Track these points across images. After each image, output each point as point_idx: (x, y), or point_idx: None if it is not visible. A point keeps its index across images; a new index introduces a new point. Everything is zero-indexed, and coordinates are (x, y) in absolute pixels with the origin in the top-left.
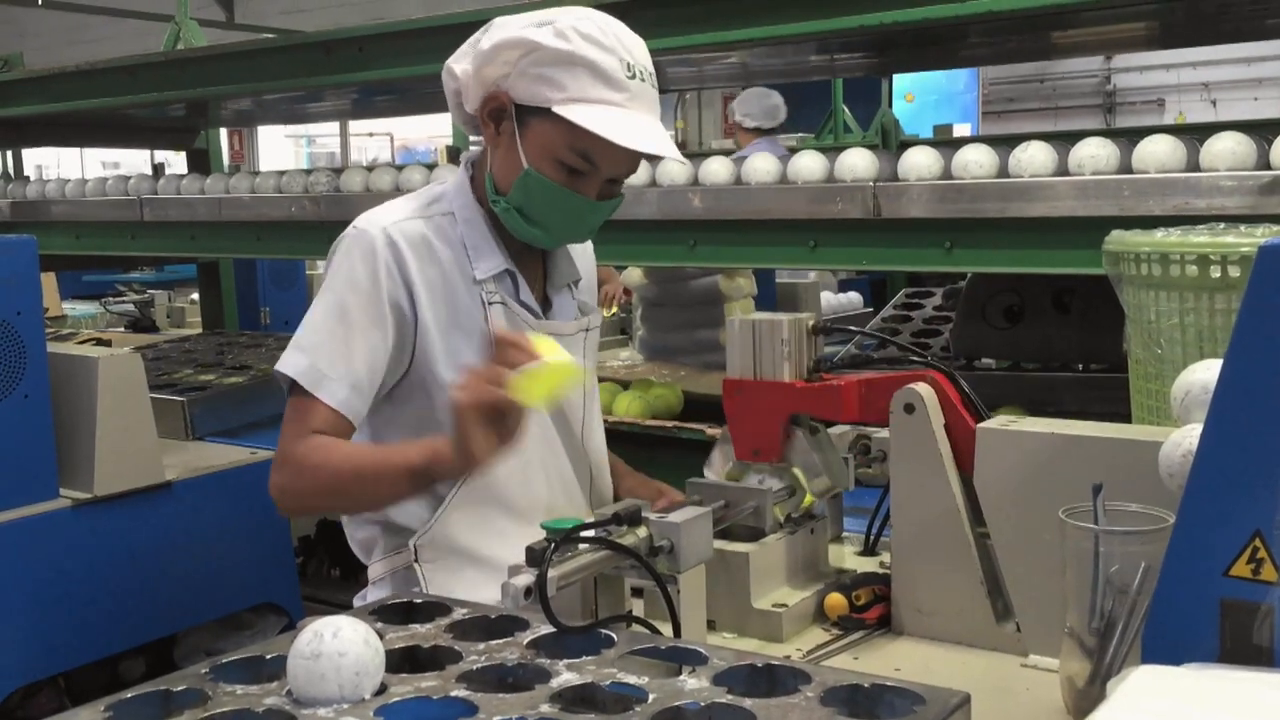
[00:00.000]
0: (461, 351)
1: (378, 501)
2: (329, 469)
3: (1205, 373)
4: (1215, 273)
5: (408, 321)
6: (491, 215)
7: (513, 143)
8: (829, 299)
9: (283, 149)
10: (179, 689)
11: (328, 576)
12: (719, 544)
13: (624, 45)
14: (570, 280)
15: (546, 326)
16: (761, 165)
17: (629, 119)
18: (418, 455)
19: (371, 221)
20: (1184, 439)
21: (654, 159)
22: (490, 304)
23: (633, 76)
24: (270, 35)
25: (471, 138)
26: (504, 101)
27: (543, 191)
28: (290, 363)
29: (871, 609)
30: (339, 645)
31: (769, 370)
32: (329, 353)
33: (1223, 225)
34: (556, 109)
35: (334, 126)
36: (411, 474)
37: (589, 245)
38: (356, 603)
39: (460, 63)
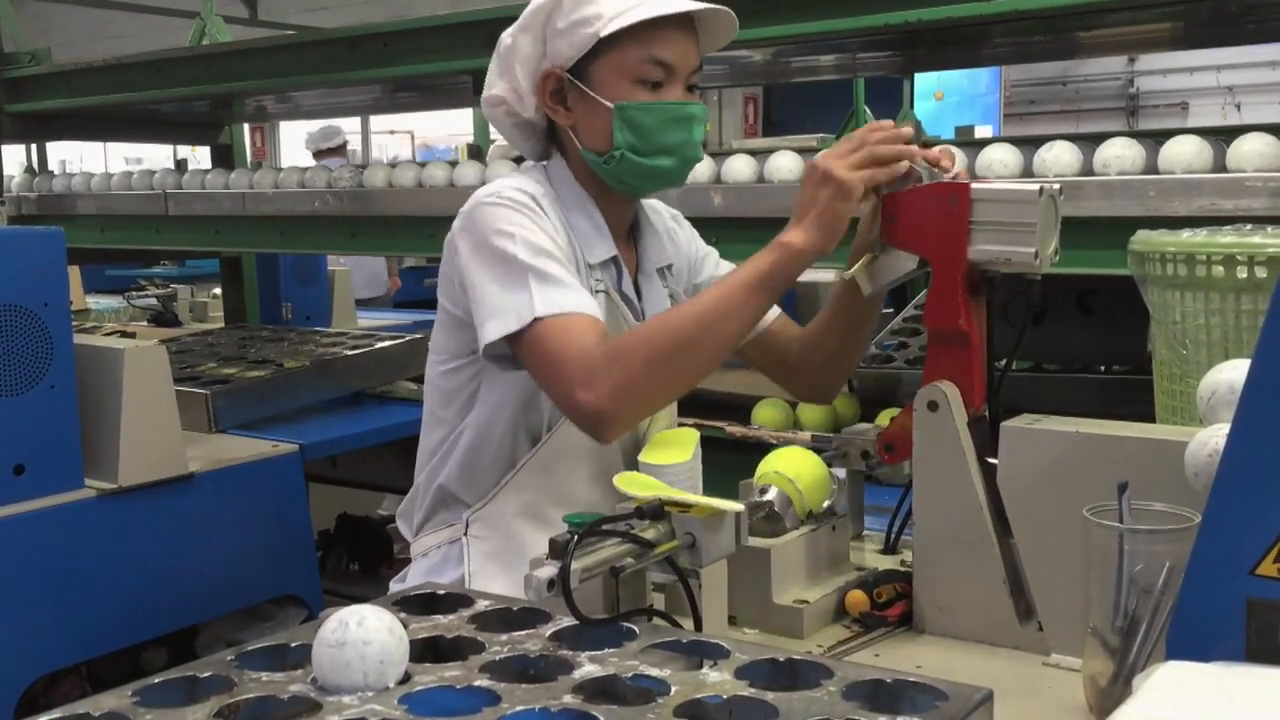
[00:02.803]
0: None
1: (731, 340)
2: (660, 338)
3: (1232, 372)
4: (1242, 273)
5: None
6: (595, 199)
7: (587, 101)
8: None
9: (303, 146)
10: (205, 675)
11: (347, 570)
12: None
13: None
14: (660, 265)
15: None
16: (785, 164)
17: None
18: (767, 263)
19: (505, 186)
20: (1210, 438)
21: None
22: (597, 292)
23: None
24: (291, 31)
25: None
26: (557, 75)
27: (642, 114)
28: (537, 308)
29: (893, 606)
30: (364, 634)
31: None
32: (556, 280)
33: (1249, 226)
34: (605, 32)
35: (355, 124)
36: (764, 286)
37: (680, 219)
38: (393, 585)
39: (495, 87)
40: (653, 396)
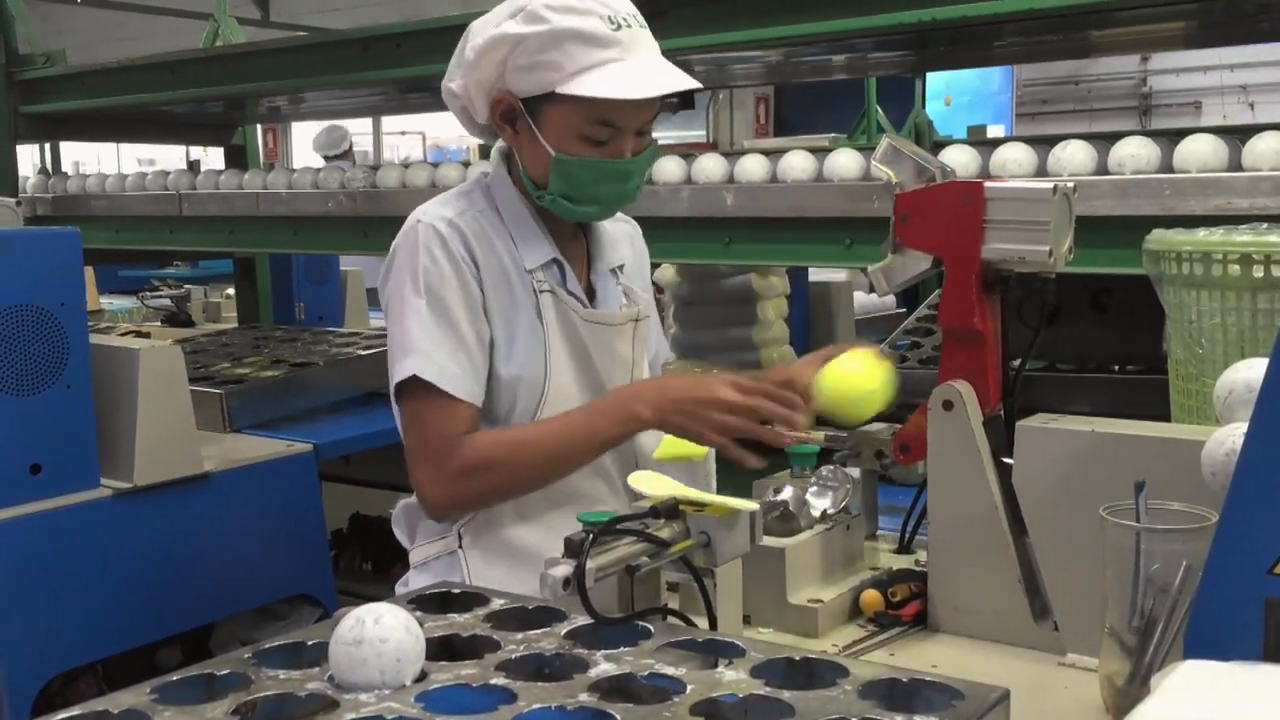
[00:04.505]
0: (517, 340)
1: (563, 477)
2: (508, 467)
3: (1248, 371)
4: (1258, 272)
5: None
6: (534, 204)
7: (533, 136)
8: (861, 299)
9: (312, 149)
10: (223, 673)
11: (360, 570)
12: None
13: (599, 1)
14: (613, 265)
15: (593, 316)
16: (798, 163)
17: (631, 71)
18: (616, 433)
19: (434, 215)
20: (1227, 438)
21: (689, 157)
22: (541, 293)
23: (618, 28)
24: (303, 33)
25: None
26: (510, 101)
27: (579, 170)
28: (419, 366)
29: (907, 606)
30: (380, 632)
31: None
32: (449, 351)
33: (1265, 225)
34: (561, 89)
35: (366, 125)
36: (604, 446)
37: (638, 232)
38: (399, 589)
39: (454, 80)
40: (484, 505)
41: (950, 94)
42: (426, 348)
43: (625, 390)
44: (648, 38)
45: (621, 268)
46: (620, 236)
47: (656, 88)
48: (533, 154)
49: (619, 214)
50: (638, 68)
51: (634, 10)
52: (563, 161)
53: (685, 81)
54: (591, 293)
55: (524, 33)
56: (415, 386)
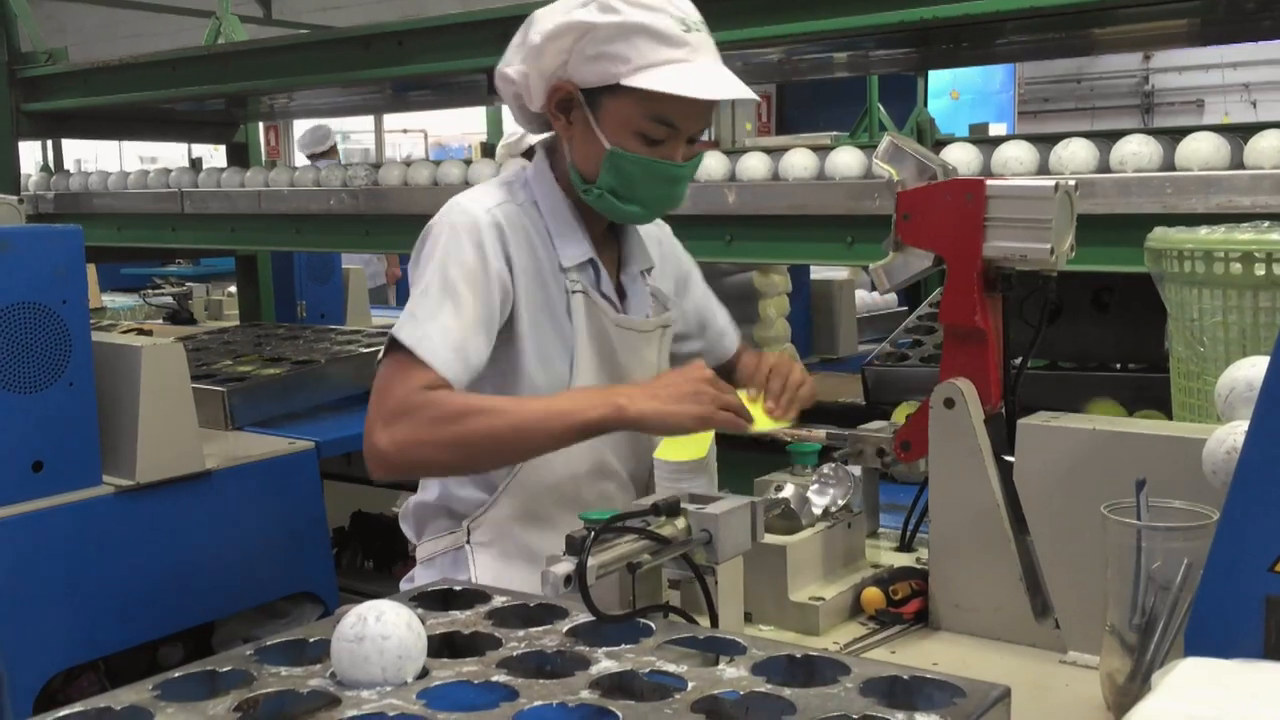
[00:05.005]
0: (546, 338)
1: (530, 456)
2: (472, 427)
3: (1250, 369)
4: (1259, 270)
5: (507, 301)
6: (574, 202)
7: (588, 128)
8: (863, 297)
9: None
10: (225, 670)
11: (362, 568)
12: None
13: (671, 2)
14: (644, 267)
15: (624, 322)
16: (799, 161)
17: (698, 72)
18: (596, 416)
19: (474, 204)
20: (1228, 436)
21: None
22: (573, 293)
23: (688, 30)
24: (305, 30)
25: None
26: (570, 90)
27: (632, 166)
28: (403, 329)
29: (909, 604)
30: (382, 629)
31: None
32: (440, 327)
33: (1267, 223)
34: (626, 81)
35: (368, 123)
36: (584, 432)
37: (666, 232)
38: (404, 585)
39: (512, 65)
40: (437, 469)
41: (954, 90)
42: (420, 318)
43: (614, 386)
44: (713, 46)
45: (650, 270)
46: (650, 239)
47: (723, 91)
48: (584, 146)
49: None
50: (703, 70)
51: (701, 18)
52: (616, 156)
53: (747, 91)
54: (621, 294)
55: (596, 21)
56: (394, 349)
